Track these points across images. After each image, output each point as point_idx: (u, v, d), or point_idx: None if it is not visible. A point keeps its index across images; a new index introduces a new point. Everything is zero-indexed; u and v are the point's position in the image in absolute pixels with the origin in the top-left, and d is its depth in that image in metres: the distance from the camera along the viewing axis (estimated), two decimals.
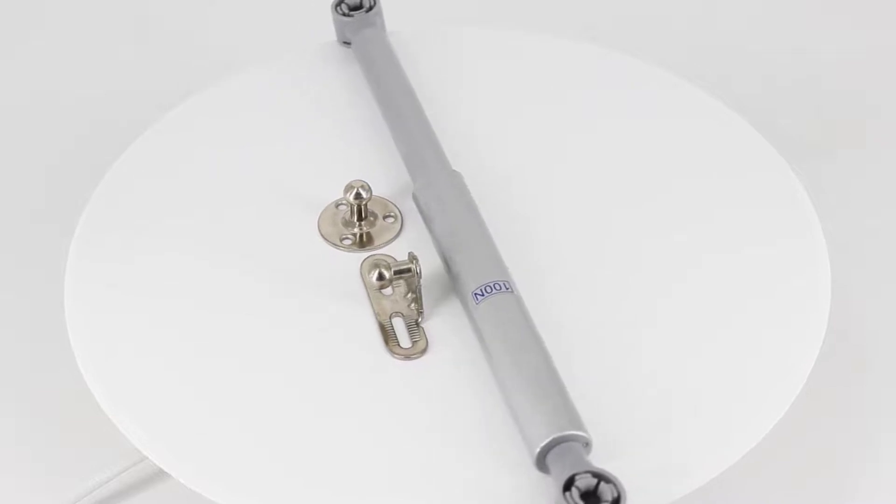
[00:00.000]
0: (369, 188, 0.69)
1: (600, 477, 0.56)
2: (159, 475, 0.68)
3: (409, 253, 0.65)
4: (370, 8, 0.80)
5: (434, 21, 0.94)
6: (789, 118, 0.92)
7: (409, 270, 0.65)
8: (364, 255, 0.69)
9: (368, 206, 0.70)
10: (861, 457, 0.72)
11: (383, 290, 0.66)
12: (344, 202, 0.70)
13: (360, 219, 0.70)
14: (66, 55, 0.99)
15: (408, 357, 0.64)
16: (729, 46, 0.98)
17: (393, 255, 0.68)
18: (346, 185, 0.69)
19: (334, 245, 0.70)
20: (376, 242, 0.70)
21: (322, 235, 0.70)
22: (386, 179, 0.72)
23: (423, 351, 0.64)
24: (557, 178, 0.73)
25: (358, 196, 0.69)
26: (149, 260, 0.69)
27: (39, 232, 0.84)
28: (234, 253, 0.69)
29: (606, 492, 0.55)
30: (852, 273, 0.79)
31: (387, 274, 0.64)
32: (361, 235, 0.70)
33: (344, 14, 0.80)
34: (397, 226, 0.70)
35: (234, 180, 0.73)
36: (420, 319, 0.65)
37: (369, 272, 0.65)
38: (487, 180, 0.71)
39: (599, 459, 0.58)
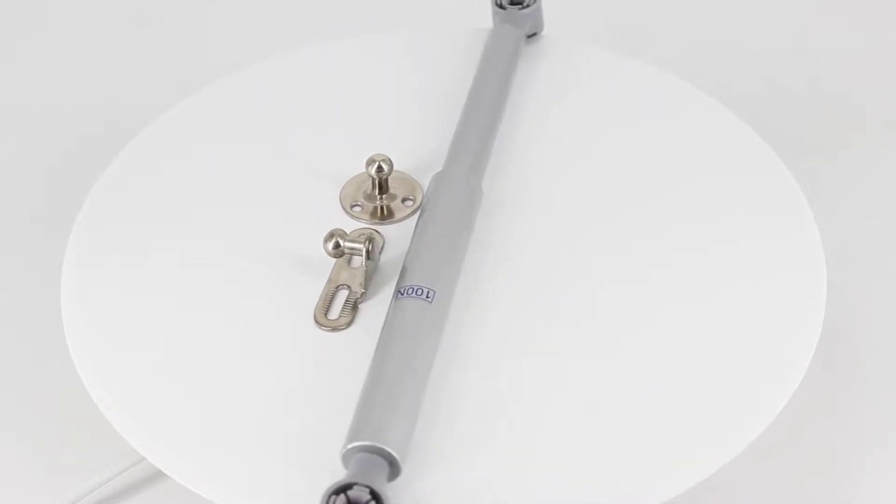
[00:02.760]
0: (391, 162, 0.70)
1: (375, 496, 0.56)
2: (159, 475, 0.68)
3: (370, 232, 0.66)
4: (525, 6, 0.80)
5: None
6: (789, 118, 0.92)
7: (359, 248, 0.66)
8: (370, 225, 0.70)
9: (391, 183, 0.71)
10: (861, 457, 0.71)
11: (351, 262, 0.67)
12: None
13: (380, 192, 0.71)
14: (66, 55, 0.99)
15: (329, 328, 0.65)
16: (729, 47, 0.98)
17: (381, 233, 0.69)
18: (369, 159, 0.70)
19: (345, 211, 0.71)
20: (396, 216, 0.71)
21: (340, 201, 0.71)
22: (433, 166, 0.72)
23: (343, 327, 0.65)
24: (556, 177, 0.73)
25: (379, 169, 0.70)
26: (146, 258, 0.69)
27: (39, 232, 0.84)
28: (242, 238, 0.70)
29: (360, 496, 0.56)
30: (852, 273, 0.79)
31: (341, 243, 0.66)
32: (382, 208, 0.71)
33: (499, 5, 0.80)
34: (411, 208, 0.71)
35: (266, 155, 0.75)
36: (359, 298, 0.66)
37: (326, 240, 0.66)
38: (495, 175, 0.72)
39: (599, 452, 0.59)
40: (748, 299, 0.67)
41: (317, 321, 0.66)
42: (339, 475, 0.58)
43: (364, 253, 0.66)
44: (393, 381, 0.60)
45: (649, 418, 0.62)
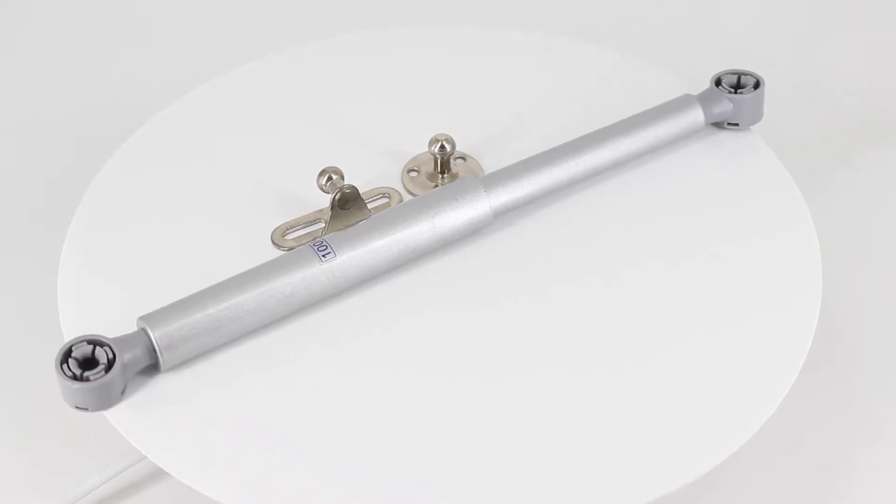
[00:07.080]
0: (453, 142, 0.71)
1: (111, 364, 0.60)
2: (159, 475, 0.68)
3: (352, 187, 0.68)
4: (735, 91, 0.75)
5: None
6: (790, 119, 0.92)
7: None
8: (409, 192, 0.72)
9: (457, 166, 0.73)
10: (858, 455, 0.72)
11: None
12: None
13: (442, 171, 0.73)
14: (66, 55, 0.99)
15: (281, 248, 0.69)
16: (729, 46, 0.98)
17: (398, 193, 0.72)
18: (432, 138, 0.71)
19: (401, 176, 0.73)
20: None
21: (403, 167, 0.74)
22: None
23: (284, 249, 0.68)
24: (555, 174, 0.73)
25: (441, 148, 0.72)
26: (144, 258, 0.69)
27: (39, 232, 0.84)
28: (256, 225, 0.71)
29: (102, 355, 0.60)
30: (850, 273, 0.80)
31: (333, 178, 0.68)
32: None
33: (717, 83, 0.76)
34: None
35: (326, 129, 0.76)
36: (320, 235, 0.68)
37: (320, 175, 0.69)
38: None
39: (596, 452, 0.59)
40: (745, 298, 0.67)
41: (272, 238, 0.69)
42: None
43: (333, 199, 0.68)
44: (216, 297, 0.63)
45: (644, 416, 0.62)
